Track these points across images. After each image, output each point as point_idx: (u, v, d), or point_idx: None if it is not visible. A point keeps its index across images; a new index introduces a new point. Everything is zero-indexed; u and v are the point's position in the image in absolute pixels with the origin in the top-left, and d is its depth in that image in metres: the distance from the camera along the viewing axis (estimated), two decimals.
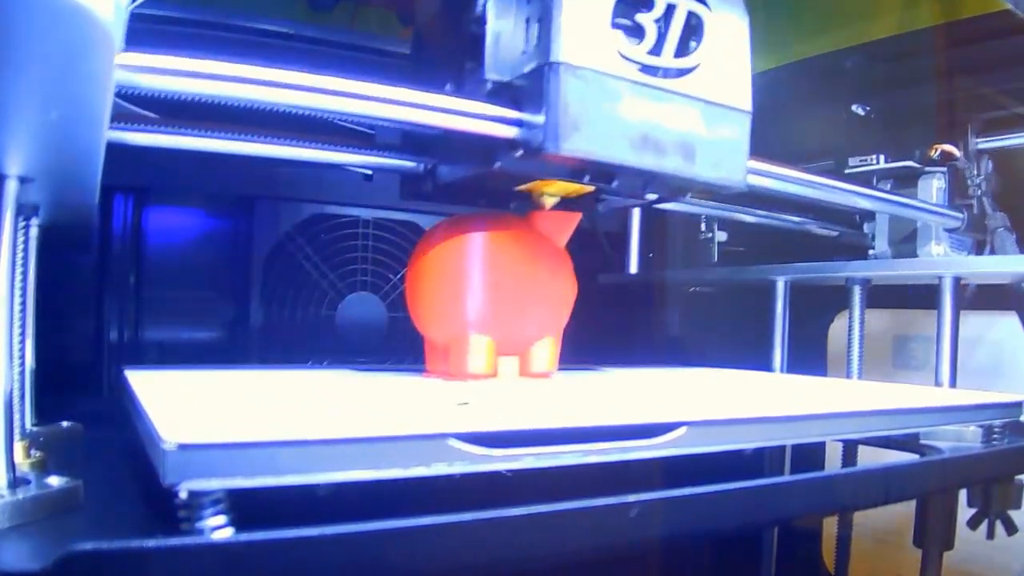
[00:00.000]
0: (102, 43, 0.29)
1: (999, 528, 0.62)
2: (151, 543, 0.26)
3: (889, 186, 0.87)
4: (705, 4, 0.50)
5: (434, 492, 0.36)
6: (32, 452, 0.40)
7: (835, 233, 0.92)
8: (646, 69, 0.48)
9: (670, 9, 0.49)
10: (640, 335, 1.15)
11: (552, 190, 0.58)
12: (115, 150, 0.42)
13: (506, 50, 0.49)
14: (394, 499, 0.33)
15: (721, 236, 1.07)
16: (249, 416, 0.36)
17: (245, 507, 0.29)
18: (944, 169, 0.84)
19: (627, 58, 0.48)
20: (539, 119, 0.45)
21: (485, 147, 0.50)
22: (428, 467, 0.33)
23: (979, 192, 0.83)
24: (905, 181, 0.86)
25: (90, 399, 0.84)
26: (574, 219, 0.62)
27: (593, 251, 1.10)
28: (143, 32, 0.36)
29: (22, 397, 0.44)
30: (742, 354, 0.89)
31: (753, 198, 0.78)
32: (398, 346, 0.98)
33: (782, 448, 0.92)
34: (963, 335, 0.74)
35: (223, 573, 0.28)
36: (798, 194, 0.67)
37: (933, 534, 0.64)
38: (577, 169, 0.50)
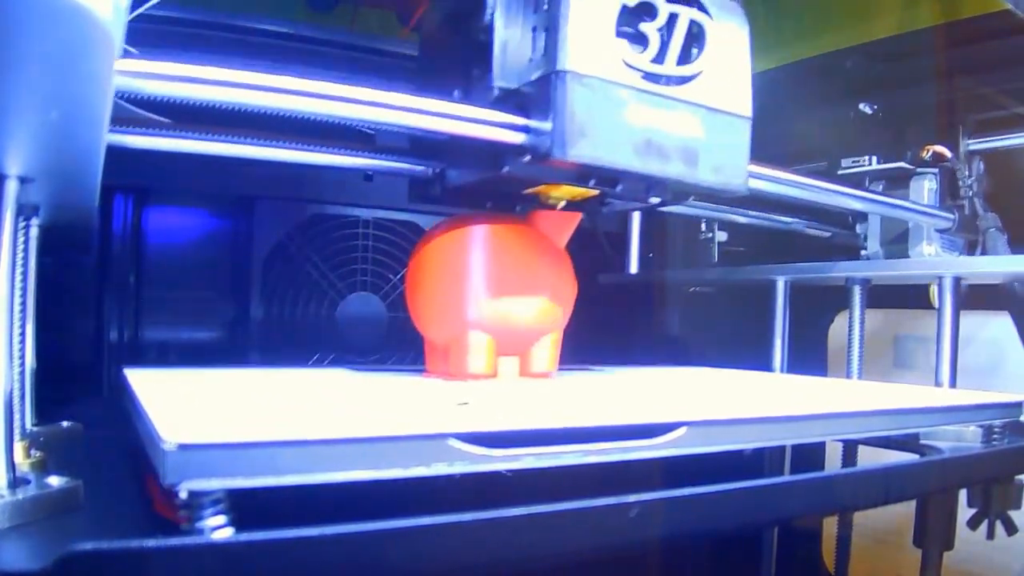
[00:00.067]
0: (102, 43, 0.29)
1: (999, 528, 0.62)
2: (151, 543, 0.26)
3: (881, 187, 0.87)
4: (707, 13, 0.51)
5: (434, 492, 0.36)
6: (32, 452, 0.40)
7: (827, 234, 0.93)
8: (649, 77, 0.49)
9: (673, 18, 0.50)
10: (640, 335, 1.15)
11: (558, 194, 0.59)
12: (115, 150, 0.42)
13: (513, 58, 0.50)
14: (394, 499, 0.33)
15: (721, 236, 1.07)
16: (249, 416, 0.36)
17: (245, 507, 0.29)
18: (936, 170, 0.84)
19: (631, 66, 0.48)
20: (546, 125, 0.46)
21: (493, 152, 0.51)
22: (428, 467, 0.33)
23: (970, 193, 0.83)
24: (897, 182, 0.86)
25: (90, 399, 0.84)
26: (574, 219, 0.62)
27: (593, 251, 1.10)
28: (144, 32, 0.36)
29: (22, 397, 0.44)
30: (742, 354, 0.89)
31: (747, 200, 0.78)
32: (398, 346, 0.98)
33: (782, 448, 0.92)
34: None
35: (223, 573, 0.28)
36: (794, 196, 0.67)
37: (933, 534, 0.64)
38: (583, 174, 0.51)
